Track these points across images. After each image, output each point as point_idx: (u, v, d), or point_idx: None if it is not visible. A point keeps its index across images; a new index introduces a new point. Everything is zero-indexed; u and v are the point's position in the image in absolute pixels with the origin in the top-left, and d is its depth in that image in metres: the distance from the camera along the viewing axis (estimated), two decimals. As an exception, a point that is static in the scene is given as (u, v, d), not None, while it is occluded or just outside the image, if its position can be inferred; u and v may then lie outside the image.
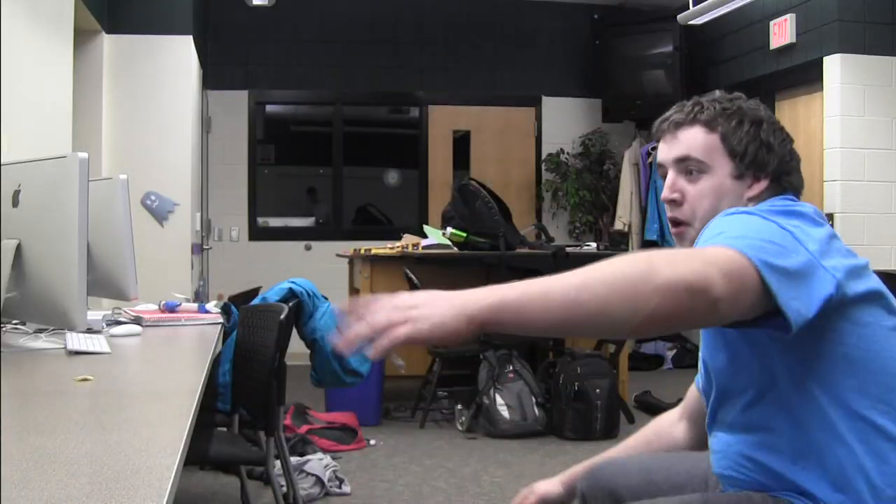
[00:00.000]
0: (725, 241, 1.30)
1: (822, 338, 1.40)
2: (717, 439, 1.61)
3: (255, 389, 2.79)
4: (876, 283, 1.46)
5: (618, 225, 7.66)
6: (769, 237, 1.33)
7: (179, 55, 6.06)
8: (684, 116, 1.62)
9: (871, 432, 1.41)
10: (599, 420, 4.86)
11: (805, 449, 1.45)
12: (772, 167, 1.58)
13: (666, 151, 1.62)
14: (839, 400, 1.42)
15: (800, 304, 1.30)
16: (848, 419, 1.42)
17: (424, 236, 5.77)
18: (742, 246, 1.28)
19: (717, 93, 1.64)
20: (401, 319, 1.19)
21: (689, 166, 1.59)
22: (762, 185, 1.58)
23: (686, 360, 7.53)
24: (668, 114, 1.65)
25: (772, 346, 1.44)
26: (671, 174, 1.62)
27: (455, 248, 5.44)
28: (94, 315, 2.78)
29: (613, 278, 1.21)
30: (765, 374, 1.48)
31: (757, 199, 1.57)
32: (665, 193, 1.63)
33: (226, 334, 3.19)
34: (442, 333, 1.20)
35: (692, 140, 1.59)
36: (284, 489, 3.30)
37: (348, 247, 6.25)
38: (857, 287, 1.41)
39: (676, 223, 1.63)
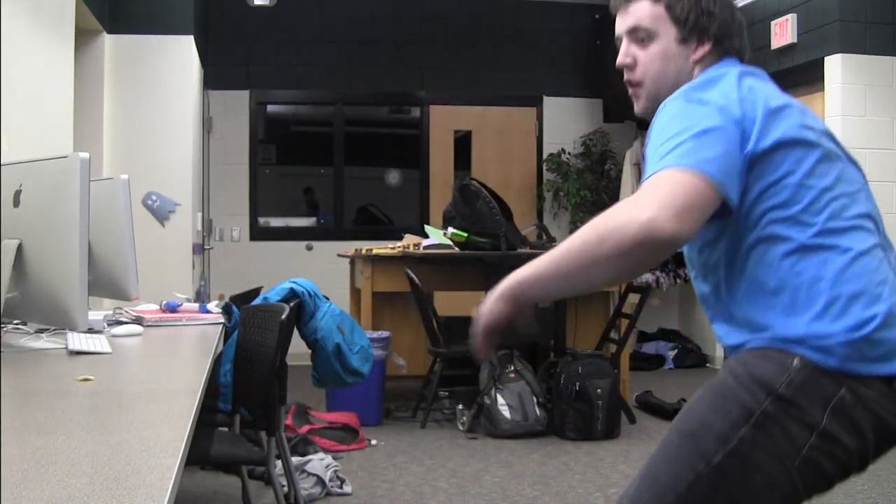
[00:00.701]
0: (666, 164, 1.48)
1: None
2: (717, 327, 1.75)
3: (256, 389, 2.79)
4: (788, 132, 1.59)
5: (619, 225, 7.66)
6: (696, 126, 1.52)
7: (180, 55, 6.06)
8: None
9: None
10: (601, 420, 4.86)
11: (755, 289, 1.61)
12: (713, 31, 1.75)
13: (620, 24, 1.80)
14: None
15: (736, 189, 1.52)
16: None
17: (425, 236, 5.77)
18: (679, 163, 1.47)
19: None
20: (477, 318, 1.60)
21: (640, 35, 1.77)
22: (705, 48, 1.75)
23: (687, 360, 7.53)
24: None
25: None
26: (625, 43, 1.79)
27: (456, 249, 5.43)
28: (95, 315, 2.78)
29: (581, 255, 1.47)
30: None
31: (701, 61, 1.75)
32: (619, 59, 1.80)
33: (227, 334, 3.18)
34: (494, 318, 1.59)
35: (640, 11, 1.76)
36: (286, 489, 3.30)
37: (349, 247, 6.26)
38: (765, 142, 1.57)
39: (631, 84, 1.81)
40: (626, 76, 1.81)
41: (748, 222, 1.59)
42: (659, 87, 1.77)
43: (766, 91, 1.64)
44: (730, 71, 1.68)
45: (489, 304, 1.59)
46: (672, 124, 1.58)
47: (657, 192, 1.44)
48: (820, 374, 1.54)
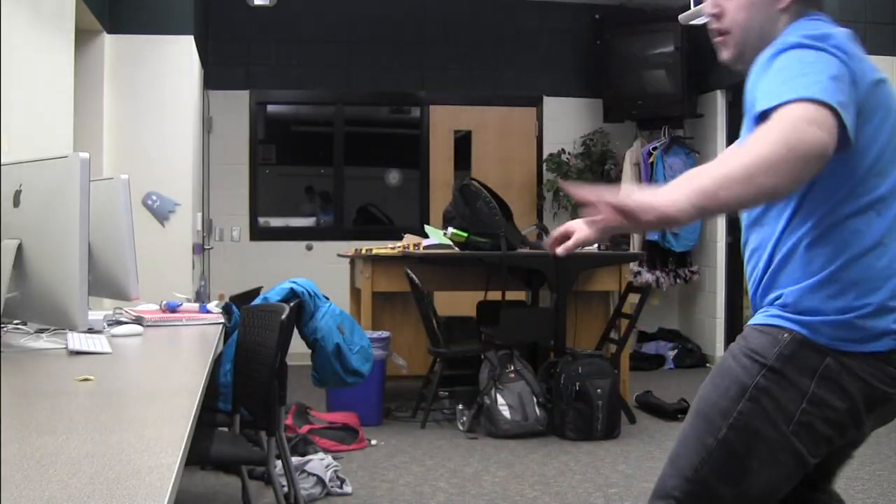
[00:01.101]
0: (805, 93, 1.56)
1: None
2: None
3: (256, 389, 2.79)
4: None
5: (619, 225, 7.65)
6: (829, 73, 1.61)
7: (180, 55, 6.06)
8: None
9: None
10: (601, 420, 4.86)
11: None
12: None
13: None
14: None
15: (853, 124, 1.61)
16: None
17: (425, 236, 5.77)
18: (817, 93, 1.56)
19: None
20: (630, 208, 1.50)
21: None
22: None
23: (687, 360, 7.53)
24: None
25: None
26: None
27: (456, 248, 5.43)
28: (95, 315, 2.78)
29: (767, 160, 1.49)
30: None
31: (787, 10, 1.83)
32: (708, 9, 1.93)
33: (227, 334, 3.19)
34: (659, 221, 1.51)
35: None
36: (286, 489, 3.30)
37: (349, 247, 6.26)
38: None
39: (719, 33, 1.92)
40: (713, 24, 1.93)
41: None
42: (746, 35, 1.87)
43: (867, 62, 1.77)
44: (837, 31, 1.76)
45: (675, 204, 1.49)
46: (806, 62, 1.64)
47: (828, 122, 1.54)
48: (807, 347, 1.71)
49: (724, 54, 1.94)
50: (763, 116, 1.59)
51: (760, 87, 1.67)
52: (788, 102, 1.55)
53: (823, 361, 1.70)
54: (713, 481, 1.77)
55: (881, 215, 1.71)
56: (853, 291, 1.69)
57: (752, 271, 1.87)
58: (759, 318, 1.80)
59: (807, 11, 1.85)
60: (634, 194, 1.53)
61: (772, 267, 1.79)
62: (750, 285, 1.90)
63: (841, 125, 1.55)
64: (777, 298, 1.76)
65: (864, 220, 1.71)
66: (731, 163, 1.51)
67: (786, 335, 1.73)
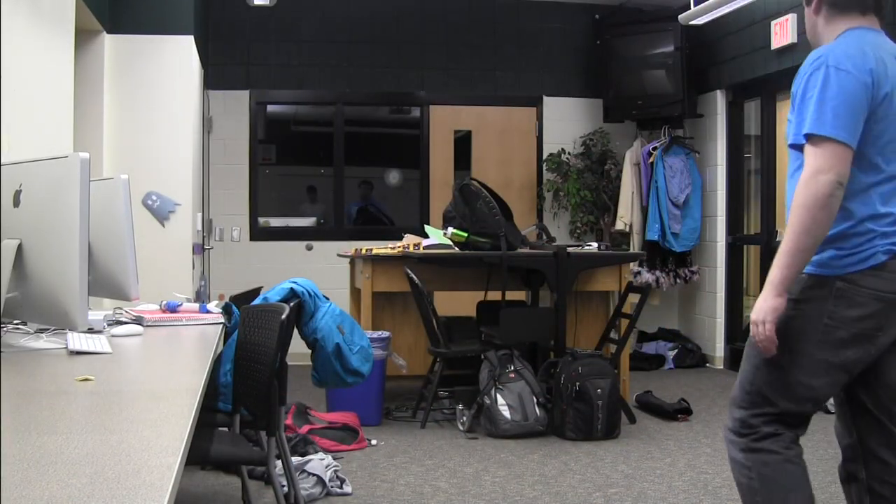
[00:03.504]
0: (816, 130, 2.19)
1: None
2: None
3: (256, 389, 2.79)
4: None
5: (619, 225, 7.66)
6: (843, 97, 2.19)
7: (180, 55, 6.06)
8: None
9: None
10: (601, 420, 4.86)
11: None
12: None
13: None
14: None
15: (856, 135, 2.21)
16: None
17: (425, 236, 5.77)
18: (826, 129, 2.18)
19: None
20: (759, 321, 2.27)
21: None
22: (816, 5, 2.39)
23: (687, 360, 7.53)
24: None
25: None
26: None
27: (456, 248, 5.43)
28: (95, 315, 2.78)
29: (806, 232, 2.18)
30: None
31: (818, 12, 2.40)
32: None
33: (227, 334, 3.19)
34: (777, 313, 2.25)
35: None
36: (286, 489, 3.30)
37: (349, 247, 6.26)
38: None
39: None
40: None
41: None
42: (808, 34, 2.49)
43: (886, 76, 2.24)
44: (868, 48, 2.24)
45: (769, 304, 2.25)
46: (828, 86, 2.20)
47: (830, 155, 2.19)
48: (822, 279, 2.29)
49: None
50: (794, 145, 2.29)
51: (793, 112, 2.31)
52: (806, 141, 2.22)
53: (836, 284, 2.27)
54: (766, 389, 2.37)
55: (876, 191, 2.28)
56: (852, 239, 2.27)
57: None
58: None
59: (842, 17, 2.34)
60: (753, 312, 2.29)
61: None
62: None
63: (845, 144, 2.17)
64: None
65: (865, 196, 2.27)
66: (783, 246, 2.21)
67: (804, 276, 2.30)
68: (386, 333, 5.34)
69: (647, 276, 7.46)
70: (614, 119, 7.90)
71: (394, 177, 8.41)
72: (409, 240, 5.72)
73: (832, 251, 2.27)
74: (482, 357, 5.22)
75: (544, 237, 6.07)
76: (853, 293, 2.25)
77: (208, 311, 3.28)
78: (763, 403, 2.36)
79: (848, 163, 2.18)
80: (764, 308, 2.25)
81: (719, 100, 7.51)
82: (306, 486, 3.74)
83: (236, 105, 7.68)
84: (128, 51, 5.87)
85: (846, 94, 2.17)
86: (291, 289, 3.40)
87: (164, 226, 5.96)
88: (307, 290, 3.42)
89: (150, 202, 5.91)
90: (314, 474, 3.80)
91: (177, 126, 6.03)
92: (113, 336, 2.61)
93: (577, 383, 4.89)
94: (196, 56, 6.36)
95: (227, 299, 3.48)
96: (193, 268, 6.22)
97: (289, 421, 4.52)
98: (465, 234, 5.38)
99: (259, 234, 7.77)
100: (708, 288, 7.64)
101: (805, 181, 2.17)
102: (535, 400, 4.99)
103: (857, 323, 2.25)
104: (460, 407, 5.17)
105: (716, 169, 7.51)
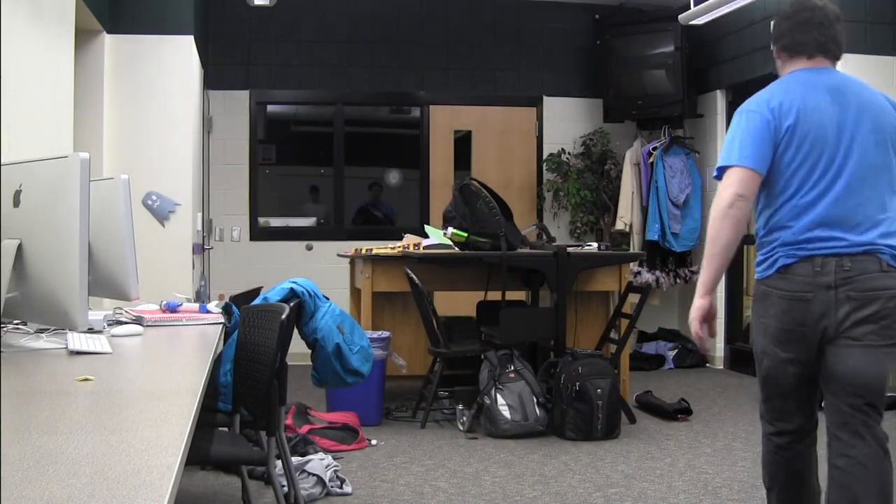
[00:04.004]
0: (726, 162, 2.69)
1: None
2: None
3: (256, 389, 2.79)
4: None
5: (619, 225, 7.66)
6: (749, 133, 2.68)
7: (180, 55, 6.06)
8: None
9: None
10: (601, 420, 4.86)
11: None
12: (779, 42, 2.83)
13: None
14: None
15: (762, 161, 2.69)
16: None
17: (425, 236, 5.77)
18: (733, 160, 2.67)
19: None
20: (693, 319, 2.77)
21: None
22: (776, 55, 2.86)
23: (687, 360, 7.53)
24: None
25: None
26: None
27: (456, 248, 5.43)
28: (95, 315, 2.78)
29: (714, 240, 2.67)
30: None
31: (779, 56, 2.84)
32: None
33: (227, 334, 3.19)
34: (700, 315, 2.75)
35: None
36: (286, 489, 3.30)
37: (349, 247, 6.26)
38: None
39: None
40: None
41: None
42: None
43: (789, 114, 2.68)
44: (782, 91, 2.74)
45: (695, 304, 2.75)
46: (740, 127, 2.71)
47: (735, 176, 2.67)
48: (759, 284, 2.75)
49: None
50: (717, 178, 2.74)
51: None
52: (721, 173, 2.70)
53: (760, 288, 2.74)
54: (759, 377, 2.80)
55: (785, 207, 2.69)
56: (766, 247, 2.72)
57: None
58: None
59: (792, 60, 2.80)
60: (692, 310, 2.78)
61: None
62: None
63: (753, 169, 2.64)
64: None
65: (776, 211, 2.69)
66: (706, 252, 2.70)
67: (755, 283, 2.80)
68: (386, 333, 5.34)
69: (647, 276, 7.46)
70: (614, 119, 7.90)
71: (394, 177, 8.41)
72: (409, 240, 5.72)
73: (759, 258, 2.74)
74: (482, 357, 5.22)
75: (544, 237, 6.07)
76: (769, 294, 2.68)
77: (208, 311, 3.28)
78: (760, 384, 2.82)
79: (749, 181, 2.62)
80: (692, 308, 2.75)
81: (719, 100, 7.51)
82: (306, 486, 3.74)
83: (236, 105, 7.68)
84: (128, 51, 5.87)
85: (750, 129, 2.65)
86: (291, 289, 3.40)
87: (164, 226, 5.95)
88: (307, 290, 3.42)
89: (150, 202, 5.91)
90: (314, 474, 3.80)
91: (177, 126, 6.03)
92: (113, 336, 2.61)
93: (577, 383, 4.89)
94: (196, 56, 6.36)
95: (227, 299, 3.49)
96: (193, 268, 6.22)
97: (289, 421, 4.52)
98: (465, 234, 5.38)
99: (259, 234, 7.77)
100: (708, 288, 7.62)
101: (715, 199, 2.67)
102: (535, 400, 4.99)
103: (778, 320, 2.66)
104: (460, 407, 5.17)
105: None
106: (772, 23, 2.86)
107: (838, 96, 2.67)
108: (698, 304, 2.71)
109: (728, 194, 2.60)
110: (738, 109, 2.74)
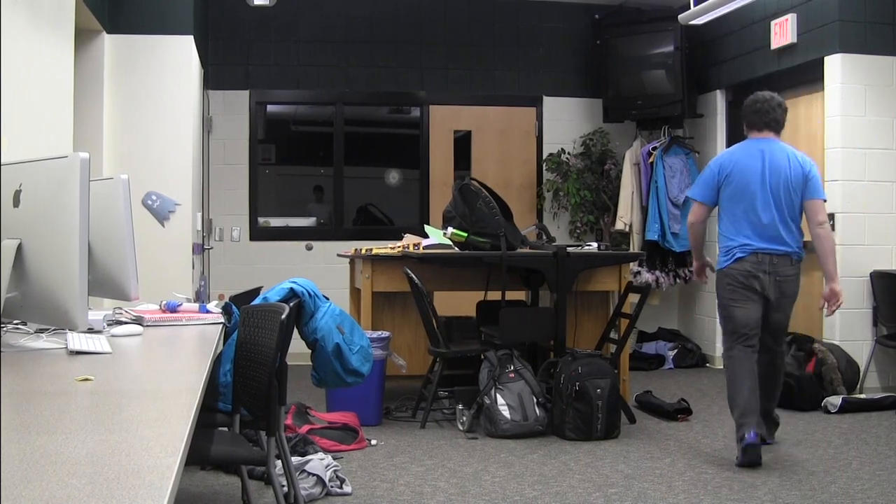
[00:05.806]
0: (690, 194, 4.85)
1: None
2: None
3: (256, 389, 2.79)
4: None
5: (619, 225, 7.66)
6: (703, 179, 4.66)
7: (180, 55, 6.06)
8: None
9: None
10: (600, 420, 4.86)
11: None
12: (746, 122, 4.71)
13: None
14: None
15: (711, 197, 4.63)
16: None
17: (425, 236, 5.77)
18: (694, 195, 4.69)
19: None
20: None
21: None
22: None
23: (687, 359, 7.53)
24: None
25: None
26: None
27: (456, 248, 5.43)
28: (95, 315, 2.78)
29: (691, 240, 4.85)
30: None
31: (749, 130, 4.64)
32: None
33: (227, 334, 3.19)
34: (696, 266, 4.99)
35: None
36: (285, 489, 3.30)
37: (349, 247, 6.26)
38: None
39: None
40: None
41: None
42: None
43: (726, 166, 4.57)
44: (732, 153, 4.66)
45: (694, 266, 4.90)
46: (702, 174, 4.75)
47: (695, 208, 4.70)
48: (720, 270, 4.51)
49: None
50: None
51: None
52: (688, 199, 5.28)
53: (723, 271, 4.47)
54: (723, 322, 4.57)
55: (732, 221, 4.49)
56: (723, 246, 4.50)
57: None
58: None
59: (750, 131, 4.59)
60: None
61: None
62: None
63: (702, 203, 4.58)
64: None
65: (729, 227, 4.49)
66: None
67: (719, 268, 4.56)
68: (386, 333, 5.34)
69: (646, 276, 7.46)
70: (614, 119, 7.90)
71: (393, 177, 8.42)
72: (409, 240, 5.72)
73: (720, 257, 4.52)
74: (482, 357, 5.22)
75: (544, 237, 6.06)
76: (728, 276, 4.46)
77: (208, 311, 3.28)
78: (725, 333, 4.55)
79: (701, 210, 4.59)
80: (694, 271, 4.96)
81: (719, 100, 7.51)
82: (306, 486, 3.74)
83: (236, 105, 7.69)
84: (128, 51, 5.87)
85: (705, 176, 4.60)
86: (291, 289, 3.40)
87: (163, 226, 5.95)
88: (307, 290, 3.42)
89: (150, 202, 5.91)
90: (314, 474, 3.80)
91: (177, 126, 6.03)
92: (113, 336, 2.61)
93: (577, 383, 4.89)
94: (196, 56, 6.36)
95: (226, 299, 3.48)
96: (193, 268, 6.22)
97: (289, 421, 4.52)
98: (465, 234, 5.38)
99: (259, 234, 7.77)
100: (708, 288, 7.62)
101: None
102: (534, 400, 4.99)
103: (734, 289, 4.44)
104: (460, 407, 5.17)
105: (716, 169, 7.52)
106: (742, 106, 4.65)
107: (765, 157, 4.41)
108: (696, 266, 4.89)
109: (690, 221, 4.69)
110: (710, 162, 4.68)
